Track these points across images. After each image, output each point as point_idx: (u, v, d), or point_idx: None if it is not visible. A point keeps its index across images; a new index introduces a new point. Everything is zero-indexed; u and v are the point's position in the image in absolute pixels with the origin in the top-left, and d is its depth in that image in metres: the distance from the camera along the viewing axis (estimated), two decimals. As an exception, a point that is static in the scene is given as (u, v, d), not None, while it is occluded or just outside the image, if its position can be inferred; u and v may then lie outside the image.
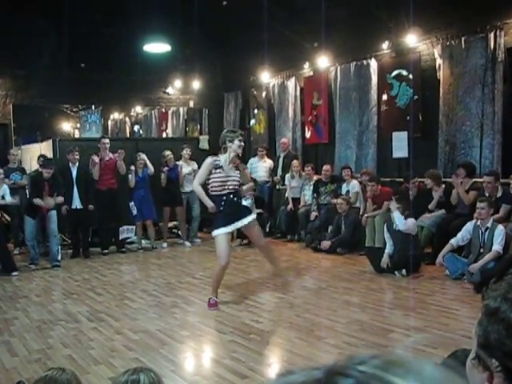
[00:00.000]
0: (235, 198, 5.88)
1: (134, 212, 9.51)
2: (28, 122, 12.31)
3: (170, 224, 10.67)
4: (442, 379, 0.49)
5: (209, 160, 5.92)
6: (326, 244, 8.74)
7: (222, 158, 5.86)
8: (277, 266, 6.79)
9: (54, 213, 8.34)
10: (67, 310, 6.00)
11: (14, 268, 7.98)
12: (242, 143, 5.98)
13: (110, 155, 9.35)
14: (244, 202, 6.39)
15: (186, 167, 10.02)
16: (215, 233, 5.90)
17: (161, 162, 9.76)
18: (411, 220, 7.12)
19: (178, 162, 9.98)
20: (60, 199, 8.44)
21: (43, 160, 8.80)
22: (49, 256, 8.49)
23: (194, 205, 10.04)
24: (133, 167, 9.45)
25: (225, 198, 5.84)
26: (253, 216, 6.07)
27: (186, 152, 10.06)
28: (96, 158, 9.14)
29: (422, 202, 7.95)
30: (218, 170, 5.82)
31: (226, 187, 5.83)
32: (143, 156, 9.53)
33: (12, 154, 9.75)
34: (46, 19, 10.44)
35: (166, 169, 9.70)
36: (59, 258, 8.45)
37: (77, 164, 9.01)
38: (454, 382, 0.51)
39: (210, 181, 5.88)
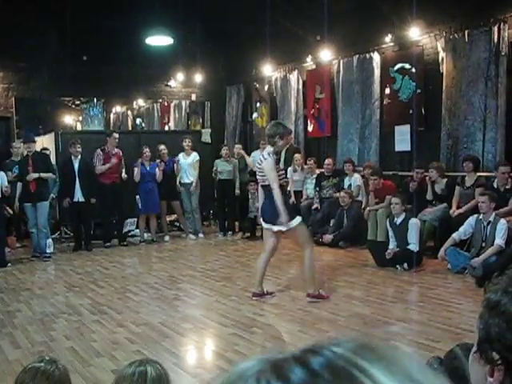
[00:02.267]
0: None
1: (140, 205, 9.54)
2: (30, 115, 12.30)
3: (172, 217, 10.69)
4: (413, 372, 0.49)
5: (271, 159, 5.53)
6: (328, 238, 8.74)
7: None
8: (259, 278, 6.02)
9: (43, 205, 8.31)
10: (70, 303, 6.02)
11: (4, 263, 8.03)
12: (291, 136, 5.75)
13: (116, 150, 9.37)
14: None
15: (186, 158, 10.03)
16: (297, 220, 5.55)
17: (157, 156, 9.77)
18: (414, 224, 7.10)
19: (180, 155, 10.00)
20: (46, 174, 8.35)
21: (24, 135, 8.67)
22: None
23: (192, 196, 10.05)
24: (140, 160, 9.50)
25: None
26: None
27: (187, 143, 10.05)
28: (103, 167, 9.19)
29: (424, 196, 7.94)
30: (278, 165, 5.69)
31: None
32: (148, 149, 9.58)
33: (14, 146, 9.73)
34: (49, 12, 10.43)
35: (162, 164, 9.68)
36: (48, 250, 8.45)
37: (79, 157, 9.01)
38: (426, 377, 0.50)
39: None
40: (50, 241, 8.57)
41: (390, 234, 7.28)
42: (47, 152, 9.26)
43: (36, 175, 8.23)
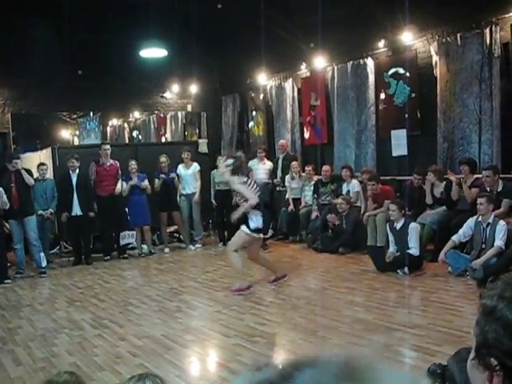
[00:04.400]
0: None
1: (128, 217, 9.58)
2: (27, 131, 12.31)
3: (172, 228, 10.67)
4: None
5: None
6: (333, 217, 8.77)
7: None
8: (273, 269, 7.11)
9: (31, 219, 8.26)
10: (71, 318, 6.01)
11: (5, 277, 8.03)
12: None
13: (111, 161, 9.37)
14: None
15: (186, 169, 10.03)
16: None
17: (159, 167, 9.76)
18: (414, 228, 7.10)
19: (179, 166, 10.01)
20: (29, 178, 8.31)
21: (8, 153, 8.70)
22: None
23: (194, 207, 10.04)
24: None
25: None
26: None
27: (186, 155, 10.06)
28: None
29: (423, 200, 7.95)
30: None
31: None
32: (134, 162, 9.56)
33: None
34: (43, 27, 10.45)
35: (162, 176, 9.70)
36: (43, 264, 8.42)
37: (77, 171, 9.03)
38: None
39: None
40: (42, 254, 8.46)
41: (390, 238, 7.29)
42: (44, 167, 9.23)
43: (31, 182, 8.27)
